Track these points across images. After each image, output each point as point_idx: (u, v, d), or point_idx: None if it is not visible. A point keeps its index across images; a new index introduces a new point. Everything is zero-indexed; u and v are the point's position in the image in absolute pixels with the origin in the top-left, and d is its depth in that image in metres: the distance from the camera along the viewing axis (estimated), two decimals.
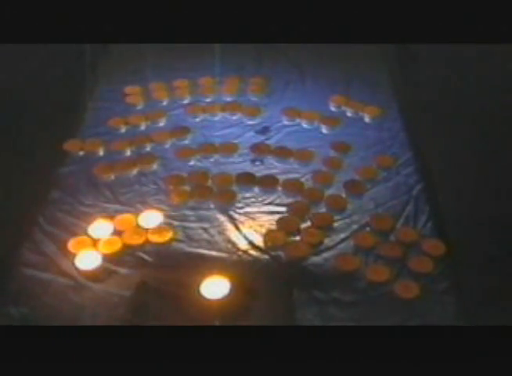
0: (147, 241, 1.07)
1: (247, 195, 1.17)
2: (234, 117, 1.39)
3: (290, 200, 1.16)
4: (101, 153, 1.27)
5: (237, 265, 1.03)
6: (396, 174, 1.22)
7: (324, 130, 1.35)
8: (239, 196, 1.17)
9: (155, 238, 1.07)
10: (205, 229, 1.09)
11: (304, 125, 1.36)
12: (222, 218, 1.12)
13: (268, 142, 1.31)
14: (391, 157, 1.26)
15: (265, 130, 1.35)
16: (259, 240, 1.07)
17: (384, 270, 1.01)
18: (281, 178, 1.21)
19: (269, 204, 1.15)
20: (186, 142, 1.31)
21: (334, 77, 1.51)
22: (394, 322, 0.93)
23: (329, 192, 1.18)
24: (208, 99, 1.44)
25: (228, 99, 1.44)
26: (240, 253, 1.05)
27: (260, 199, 1.17)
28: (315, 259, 1.04)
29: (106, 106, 1.40)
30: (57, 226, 1.08)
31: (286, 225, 1.10)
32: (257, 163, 1.26)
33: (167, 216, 1.12)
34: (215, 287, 0.97)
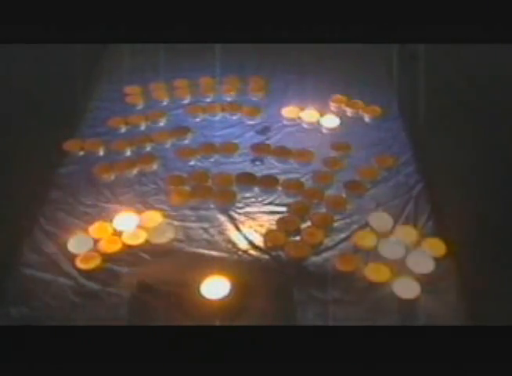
0: (147, 241, 1.07)
1: (247, 195, 1.17)
2: (234, 117, 1.39)
3: (290, 200, 1.16)
4: (101, 153, 1.27)
5: (237, 265, 1.03)
6: (396, 174, 1.22)
7: (324, 130, 1.35)
8: (239, 196, 1.17)
9: (155, 238, 1.07)
10: (205, 229, 1.09)
11: (304, 125, 1.36)
12: (222, 218, 1.12)
13: (268, 142, 1.31)
14: (391, 157, 1.26)
15: (265, 130, 1.35)
16: (259, 240, 1.07)
17: (384, 270, 1.01)
18: (281, 178, 1.21)
19: (269, 204, 1.15)
20: (186, 142, 1.31)
21: (334, 77, 1.51)
22: (394, 322, 0.93)
23: (329, 192, 1.18)
24: (208, 99, 1.44)
25: (228, 99, 1.44)
26: (240, 253, 1.05)
27: (260, 199, 1.16)
28: (315, 259, 1.04)
29: (106, 106, 1.40)
30: (57, 226, 1.08)
31: (286, 225, 1.10)
32: (257, 163, 1.26)
33: (167, 216, 1.12)
34: (215, 287, 0.97)
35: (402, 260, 1.03)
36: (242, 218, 1.12)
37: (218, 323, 0.93)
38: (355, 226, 1.10)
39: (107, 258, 1.03)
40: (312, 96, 1.43)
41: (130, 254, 1.04)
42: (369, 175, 1.21)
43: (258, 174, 1.22)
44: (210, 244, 1.06)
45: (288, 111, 1.39)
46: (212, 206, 1.15)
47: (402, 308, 0.95)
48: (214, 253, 1.05)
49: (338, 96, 1.43)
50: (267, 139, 1.32)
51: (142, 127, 1.35)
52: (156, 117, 1.37)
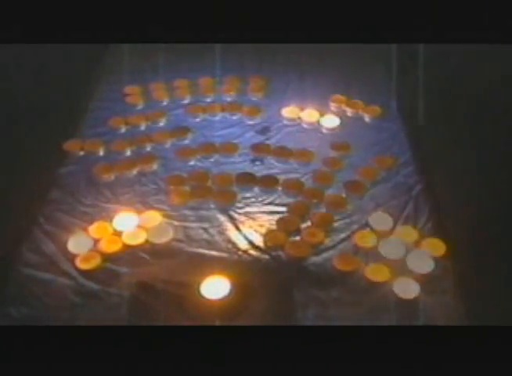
0: (147, 241, 1.07)
1: (247, 195, 1.17)
2: (234, 117, 1.39)
3: (290, 200, 1.16)
4: (101, 153, 1.27)
5: (237, 265, 1.03)
6: (396, 174, 1.22)
7: (324, 130, 1.35)
8: (239, 196, 1.17)
9: (155, 238, 1.07)
10: (205, 229, 1.09)
11: (304, 125, 1.36)
12: (222, 218, 1.12)
13: (268, 142, 1.31)
14: (391, 157, 1.26)
15: (265, 130, 1.35)
16: (259, 240, 1.07)
17: (384, 270, 1.01)
18: (281, 178, 1.21)
19: (269, 204, 1.15)
20: (186, 142, 1.31)
21: (334, 77, 1.51)
22: (394, 322, 0.93)
23: (329, 192, 1.18)
24: (208, 99, 1.44)
25: (229, 99, 1.44)
26: (240, 253, 1.05)
27: (260, 199, 1.17)
28: (315, 259, 1.04)
29: (106, 106, 1.40)
30: (57, 226, 1.08)
31: (286, 225, 1.10)
32: (257, 163, 1.26)
33: (167, 216, 1.12)
34: (215, 287, 0.97)
35: (402, 260, 1.03)
36: (242, 218, 1.12)
37: (218, 323, 0.93)
38: (355, 226, 1.10)
39: (107, 258, 1.03)
40: (312, 96, 1.43)
41: (130, 254, 1.04)
42: (369, 175, 1.21)
43: (258, 174, 1.22)
44: (210, 244, 1.06)
45: (288, 111, 1.39)
46: (212, 206, 1.15)
47: (401, 308, 0.95)
48: (214, 253, 1.05)
49: (338, 96, 1.43)
50: (267, 139, 1.32)
51: (142, 127, 1.35)
52: (156, 117, 1.37)
